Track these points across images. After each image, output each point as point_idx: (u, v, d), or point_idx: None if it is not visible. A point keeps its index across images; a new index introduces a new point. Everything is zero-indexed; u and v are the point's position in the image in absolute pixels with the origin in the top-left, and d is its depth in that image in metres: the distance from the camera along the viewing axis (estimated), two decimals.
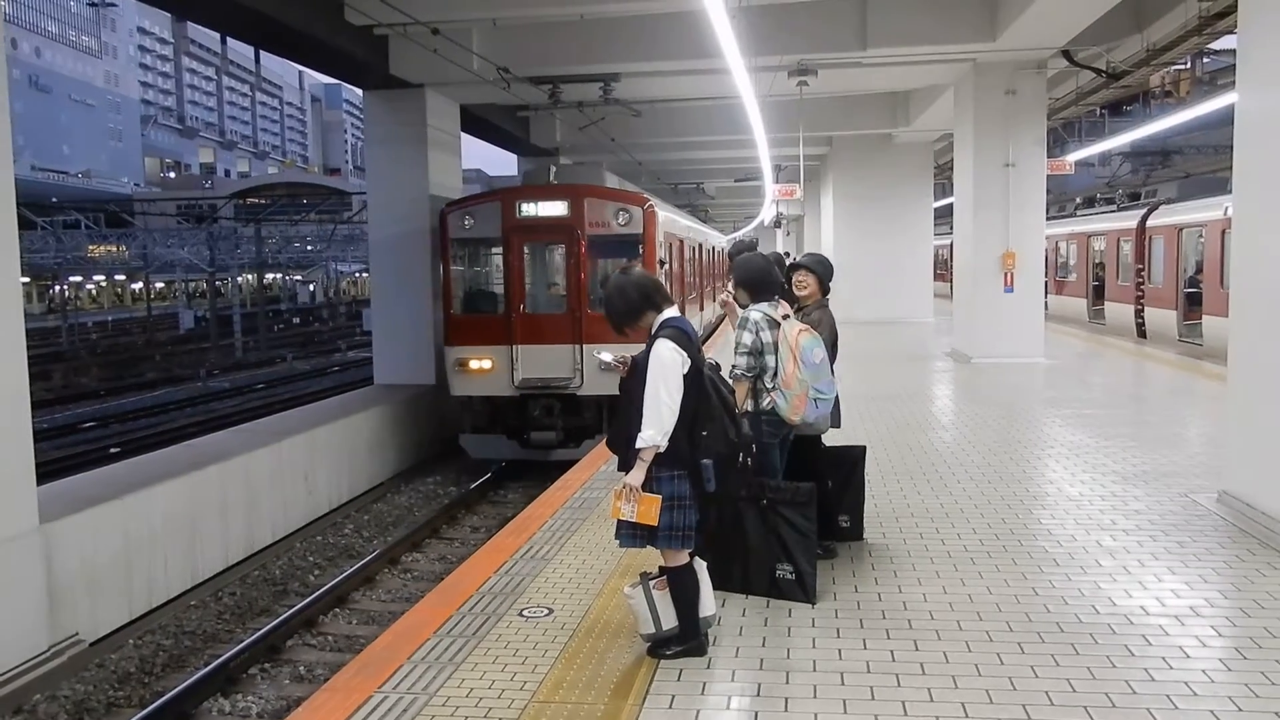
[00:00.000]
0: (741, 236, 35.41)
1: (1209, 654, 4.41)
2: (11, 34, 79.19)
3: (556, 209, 13.43)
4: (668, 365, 4.17)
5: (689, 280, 18.92)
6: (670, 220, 16.43)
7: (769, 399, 5.20)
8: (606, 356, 4.59)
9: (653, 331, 4.32)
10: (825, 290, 6.02)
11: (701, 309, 21.13)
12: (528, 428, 13.50)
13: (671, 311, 4.39)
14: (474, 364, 13.49)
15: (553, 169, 14.89)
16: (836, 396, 5.49)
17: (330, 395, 18.27)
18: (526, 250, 13.67)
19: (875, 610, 4.99)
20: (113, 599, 8.46)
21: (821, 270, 5.99)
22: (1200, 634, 4.61)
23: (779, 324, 5.25)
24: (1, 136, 7.27)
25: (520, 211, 13.44)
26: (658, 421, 4.13)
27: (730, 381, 4.82)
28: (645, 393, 4.16)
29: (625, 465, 4.39)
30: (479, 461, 14.26)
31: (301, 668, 7.91)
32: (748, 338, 5.21)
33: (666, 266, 14.87)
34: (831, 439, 6.09)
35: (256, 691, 7.51)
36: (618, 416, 4.45)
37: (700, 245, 21.75)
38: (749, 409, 5.19)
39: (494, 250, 14.02)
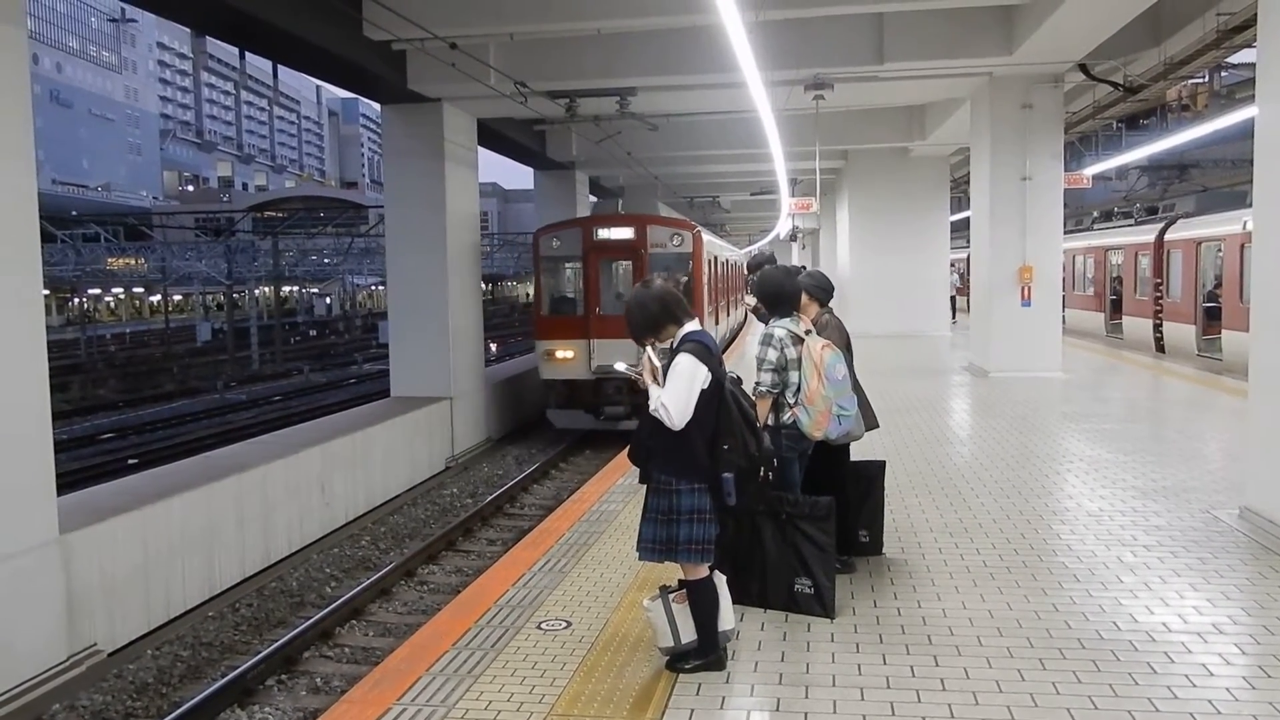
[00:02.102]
0: (759, 250, 35.51)
1: (1232, 672, 4.37)
2: (33, 50, 79.98)
3: (625, 233, 16.90)
4: (683, 375, 4.18)
5: (720, 286, 22.38)
6: (710, 241, 19.73)
7: (790, 414, 5.20)
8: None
9: (674, 345, 4.33)
10: (823, 303, 6.03)
11: (728, 314, 24.58)
12: (602, 404, 16.53)
13: (693, 325, 4.39)
14: (559, 354, 16.69)
15: (620, 201, 19.63)
16: (867, 399, 5.49)
17: (347, 407, 18.32)
18: (601, 265, 16.98)
19: (895, 625, 4.97)
20: (131, 609, 8.50)
21: (818, 291, 5.99)
22: (1223, 651, 4.57)
23: (802, 339, 5.24)
24: (24, 150, 7.36)
25: (596, 235, 16.88)
26: (663, 408, 4.15)
27: (752, 396, 4.82)
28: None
29: (645, 477, 4.39)
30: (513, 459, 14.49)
31: (318, 679, 7.92)
32: (772, 354, 5.21)
33: (708, 276, 18.41)
34: (853, 449, 6.08)
35: (273, 703, 7.52)
36: (638, 428, 4.45)
37: (727, 260, 25.20)
38: (770, 423, 5.19)
39: (575, 265, 17.16)
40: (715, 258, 20.90)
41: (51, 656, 7.40)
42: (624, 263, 17.12)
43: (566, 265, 17.52)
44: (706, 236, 18.42)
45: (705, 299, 17.60)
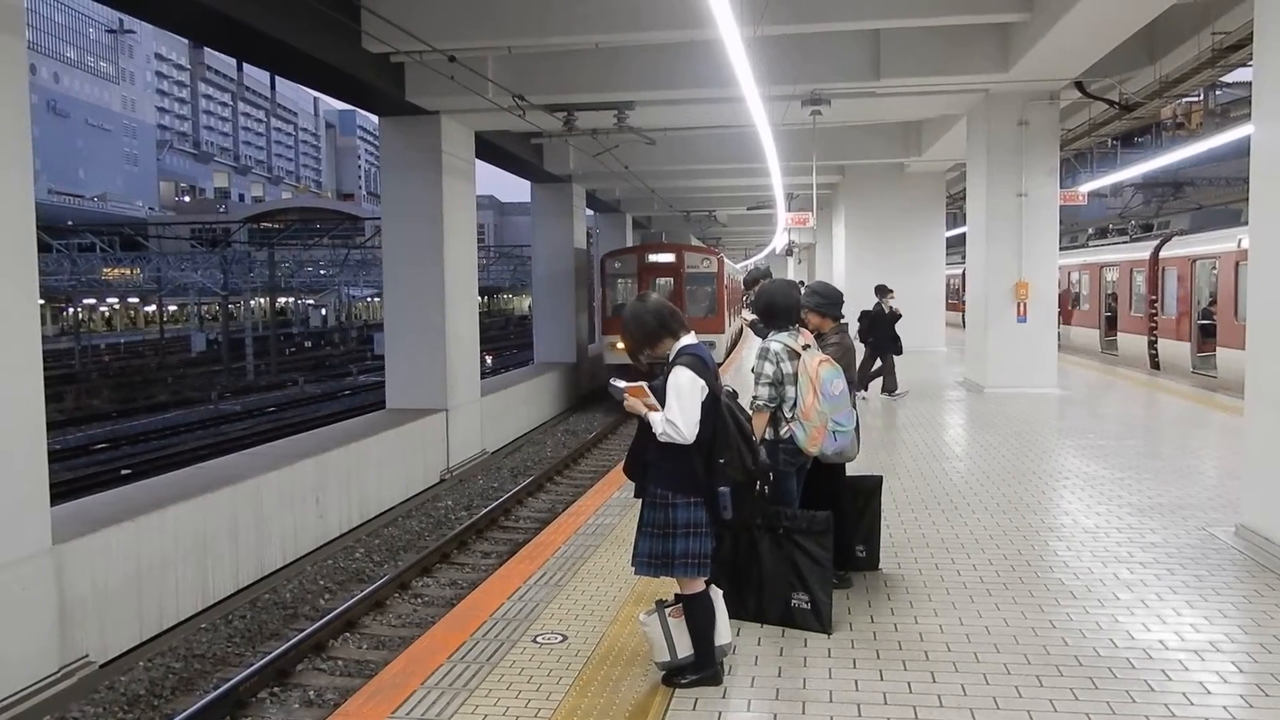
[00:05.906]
0: (756, 264, 35.99)
1: (1230, 690, 4.35)
2: (31, 60, 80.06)
3: (668, 258, 24.78)
4: (684, 388, 4.17)
5: (730, 297, 27.88)
6: (728, 263, 27.30)
7: (787, 428, 5.19)
8: (620, 384, 4.56)
9: (671, 358, 4.32)
10: (836, 317, 6.01)
11: (733, 320, 29.86)
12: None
13: (689, 339, 4.38)
14: (619, 345, 21.09)
15: (664, 235, 29.17)
16: (857, 424, 5.47)
17: (342, 419, 18.30)
18: (650, 280, 23.96)
19: (892, 641, 4.95)
20: (123, 621, 8.45)
21: (815, 303, 5.97)
22: (1221, 670, 4.56)
23: (799, 354, 5.24)
24: (22, 160, 7.36)
25: (647, 259, 24.84)
26: (671, 426, 4.13)
27: (749, 410, 4.81)
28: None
29: (641, 491, 4.38)
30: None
31: (312, 692, 7.87)
32: (769, 368, 5.20)
33: (727, 287, 25.64)
34: (848, 468, 6.06)
35: (266, 716, 7.49)
36: (635, 442, 4.44)
37: (737, 276, 31.25)
38: (767, 437, 5.18)
39: (630, 279, 24.62)
40: (731, 275, 28.24)
41: (43, 667, 7.36)
42: (668, 278, 24.29)
43: (623, 280, 24.77)
44: (726, 259, 26.23)
45: (725, 303, 25.07)
